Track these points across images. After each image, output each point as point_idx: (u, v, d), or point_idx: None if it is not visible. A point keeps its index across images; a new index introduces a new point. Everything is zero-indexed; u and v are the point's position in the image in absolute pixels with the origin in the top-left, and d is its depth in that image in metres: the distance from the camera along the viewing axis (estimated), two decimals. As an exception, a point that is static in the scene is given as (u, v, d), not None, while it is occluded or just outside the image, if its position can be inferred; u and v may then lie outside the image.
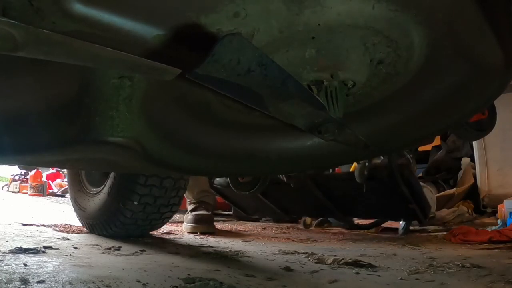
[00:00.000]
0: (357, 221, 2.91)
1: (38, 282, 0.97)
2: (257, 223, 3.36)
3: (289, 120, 0.80)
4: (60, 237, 1.83)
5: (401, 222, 2.52)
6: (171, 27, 0.64)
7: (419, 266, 1.41)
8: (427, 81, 0.95)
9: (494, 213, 2.91)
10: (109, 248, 1.57)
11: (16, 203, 4.63)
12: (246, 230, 2.75)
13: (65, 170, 4.93)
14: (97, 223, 1.93)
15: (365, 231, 2.75)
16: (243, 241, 2.13)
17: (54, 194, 6.92)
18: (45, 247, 1.47)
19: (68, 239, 1.79)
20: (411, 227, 2.55)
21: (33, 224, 2.29)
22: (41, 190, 6.80)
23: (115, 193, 1.81)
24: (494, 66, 0.88)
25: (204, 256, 1.57)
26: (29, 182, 6.95)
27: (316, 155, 1.12)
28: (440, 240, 2.22)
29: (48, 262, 1.23)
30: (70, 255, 1.39)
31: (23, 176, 7.71)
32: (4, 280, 0.96)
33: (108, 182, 1.87)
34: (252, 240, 2.19)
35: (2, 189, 8.42)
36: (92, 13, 0.58)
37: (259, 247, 1.91)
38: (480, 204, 3.08)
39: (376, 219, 2.69)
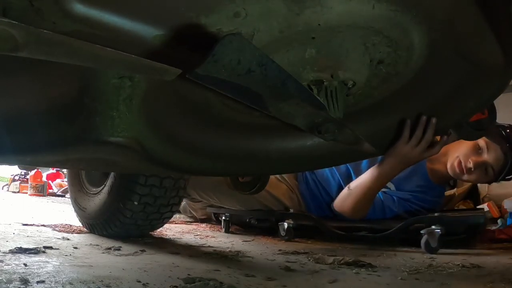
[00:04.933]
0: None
1: (38, 282, 0.97)
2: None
3: (290, 120, 0.80)
4: (60, 237, 1.83)
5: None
6: (171, 27, 0.64)
7: (419, 266, 1.41)
8: (427, 81, 0.95)
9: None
10: (109, 248, 1.57)
11: (16, 203, 4.63)
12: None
13: (65, 170, 4.93)
14: (97, 223, 1.93)
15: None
16: (243, 241, 2.13)
17: (54, 194, 6.91)
18: (45, 247, 1.47)
19: (68, 239, 1.79)
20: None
21: (33, 224, 2.28)
22: (41, 190, 6.79)
23: (115, 193, 1.81)
24: (494, 66, 0.88)
25: (204, 256, 1.57)
26: (29, 182, 6.94)
27: (316, 155, 1.13)
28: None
29: (48, 262, 1.23)
30: (70, 255, 1.39)
31: (23, 176, 7.70)
32: (4, 280, 0.96)
33: (108, 182, 1.86)
34: (252, 240, 2.20)
35: (2, 189, 8.41)
36: (93, 13, 0.58)
37: (259, 247, 1.91)
38: (480, 204, 3.08)
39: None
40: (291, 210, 2.32)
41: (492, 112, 1.29)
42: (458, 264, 1.43)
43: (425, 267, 1.39)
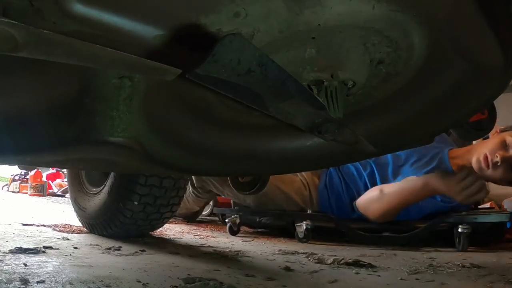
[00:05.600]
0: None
1: (38, 282, 0.97)
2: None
3: (290, 120, 0.80)
4: (60, 237, 1.83)
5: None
6: (171, 27, 0.64)
7: (419, 266, 1.41)
8: (427, 81, 0.95)
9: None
10: (109, 248, 1.57)
11: (16, 203, 4.63)
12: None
13: (65, 170, 4.93)
14: (97, 223, 1.93)
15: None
16: (243, 241, 2.13)
17: (54, 194, 6.91)
18: (45, 247, 1.47)
19: (68, 239, 1.79)
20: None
21: (33, 224, 2.29)
22: (41, 190, 6.80)
23: (115, 193, 1.81)
24: (494, 66, 0.88)
25: (204, 256, 1.57)
26: (29, 182, 6.94)
27: (316, 155, 1.13)
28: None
29: (48, 262, 1.23)
30: (70, 255, 1.39)
31: (23, 176, 7.71)
32: (4, 280, 0.96)
33: (108, 182, 1.87)
34: (252, 240, 2.19)
35: (2, 189, 8.42)
36: (93, 14, 0.58)
37: (259, 247, 1.91)
38: (480, 204, 3.08)
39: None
40: (309, 211, 2.22)
41: (492, 112, 1.29)
42: (458, 264, 1.43)
43: (425, 267, 1.39)
